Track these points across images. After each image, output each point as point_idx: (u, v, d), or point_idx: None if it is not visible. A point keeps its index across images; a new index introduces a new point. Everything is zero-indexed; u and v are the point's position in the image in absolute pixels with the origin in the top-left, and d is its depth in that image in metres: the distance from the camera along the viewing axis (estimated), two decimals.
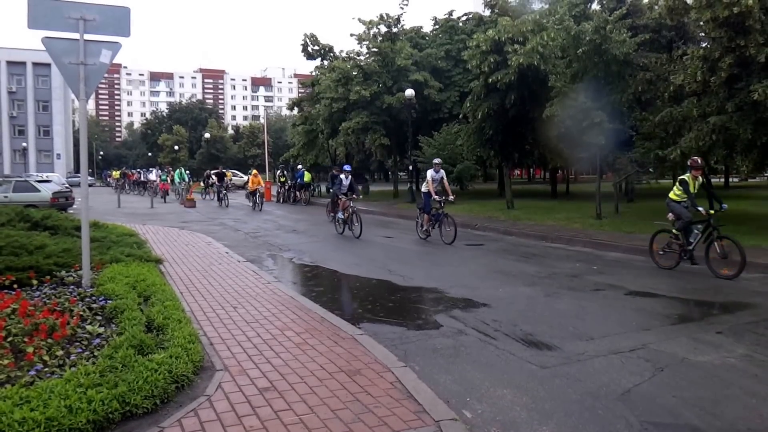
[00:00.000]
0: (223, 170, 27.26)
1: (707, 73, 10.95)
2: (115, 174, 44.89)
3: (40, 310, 4.57)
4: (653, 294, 6.63)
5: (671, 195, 8.24)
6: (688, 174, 7.98)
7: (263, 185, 21.86)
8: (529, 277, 7.75)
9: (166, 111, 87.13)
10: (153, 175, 32.29)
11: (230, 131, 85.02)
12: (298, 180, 25.24)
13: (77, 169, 55.84)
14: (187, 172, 31.46)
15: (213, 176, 27.66)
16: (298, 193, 25.19)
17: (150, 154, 79.79)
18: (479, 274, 8.03)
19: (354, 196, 12.69)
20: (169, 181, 29.31)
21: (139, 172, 41.37)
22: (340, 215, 12.83)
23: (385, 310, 6.09)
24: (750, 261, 8.13)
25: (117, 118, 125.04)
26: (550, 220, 14.20)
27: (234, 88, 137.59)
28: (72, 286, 5.92)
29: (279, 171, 28.48)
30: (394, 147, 28.04)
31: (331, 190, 16.11)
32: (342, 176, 12.93)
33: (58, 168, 58.15)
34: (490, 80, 18.36)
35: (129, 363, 3.57)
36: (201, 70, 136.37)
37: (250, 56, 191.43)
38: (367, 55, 27.45)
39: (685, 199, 7.98)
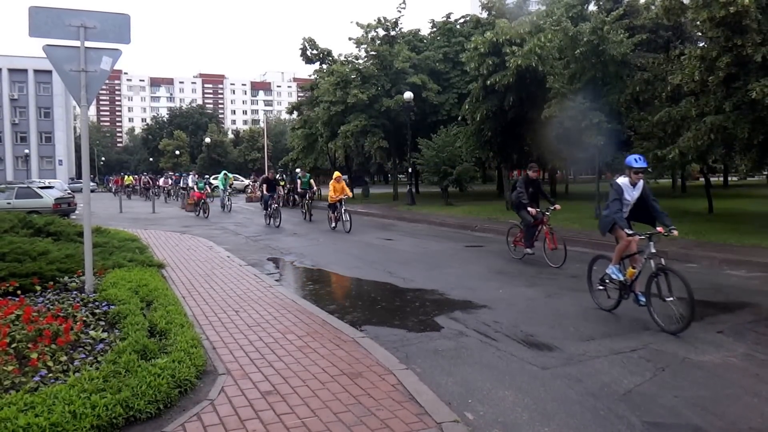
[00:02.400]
0: (276, 175, 19.42)
1: (705, 73, 10.97)
2: (128, 179, 41.78)
3: (44, 316, 4.60)
4: (653, 294, 6.62)
5: None
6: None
7: (350, 194, 14.91)
8: (529, 277, 7.77)
9: (167, 116, 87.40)
10: (191, 181, 27.57)
11: (230, 135, 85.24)
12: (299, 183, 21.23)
13: (79, 175, 55.99)
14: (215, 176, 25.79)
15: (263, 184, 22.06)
16: (296, 197, 23.42)
17: (151, 159, 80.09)
18: (479, 275, 8.05)
19: (660, 229, 5.44)
20: (208, 189, 22.83)
21: (177, 176, 35.79)
22: (614, 272, 5.79)
23: (386, 312, 6.11)
24: (750, 260, 8.18)
25: (118, 124, 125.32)
26: (549, 221, 14.18)
27: (234, 93, 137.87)
28: (75, 292, 5.95)
29: (278, 175, 28.53)
30: (393, 149, 28.08)
31: (522, 208, 9.22)
32: (623, 180, 5.76)
33: (60, 174, 58.34)
34: (489, 82, 18.38)
35: (132, 368, 3.59)
36: (201, 75, 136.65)
37: (250, 61, 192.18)
38: (366, 59, 27.54)
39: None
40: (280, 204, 16.84)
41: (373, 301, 6.73)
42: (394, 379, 3.85)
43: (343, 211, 14.29)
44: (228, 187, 24.14)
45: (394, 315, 5.98)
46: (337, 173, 15.42)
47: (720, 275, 7.72)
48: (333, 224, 14.78)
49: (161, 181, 35.64)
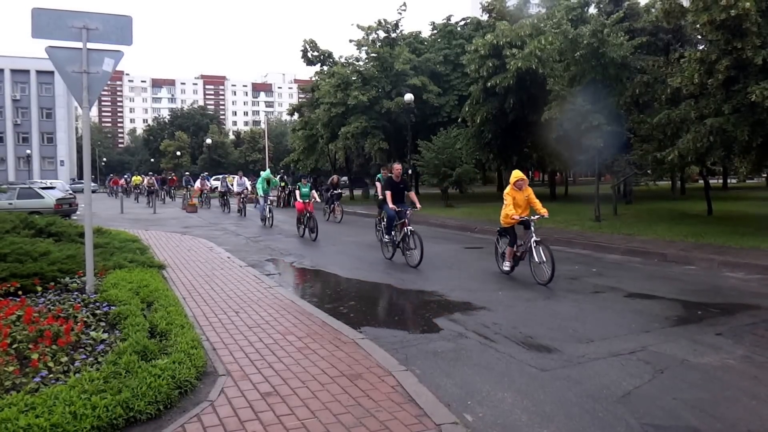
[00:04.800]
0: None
1: (704, 76, 11.00)
2: (136, 179, 39.17)
3: (45, 317, 4.61)
4: (652, 296, 6.65)
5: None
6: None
7: (544, 212, 7.78)
8: (528, 279, 7.77)
9: (168, 117, 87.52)
10: (236, 185, 23.44)
11: (231, 137, 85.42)
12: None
13: (81, 176, 56.08)
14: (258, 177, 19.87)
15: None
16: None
17: (153, 159, 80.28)
18: (479, 277, 8.05)
19: None
20: (315, 196, 14.73)
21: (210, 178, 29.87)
22: None
23: (385, 313, 6.12)
24: (749, 262, 8.19)
25: (119, 125, 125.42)
26: (548, 223, 14.18)
27: (235, 94, 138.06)
28: (76, 293, 5.96)
29: (279, 176, 28.58)
30: (393, 151, 28.14)
31: None
32: None
33: (61, 175, 58.45)
34: (489, 84, 18.44)
35: (133, 369, 3.61)
36: (202, 77, 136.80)
37: (251, 62, 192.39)
38: (366, 61, 27.62)
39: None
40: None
41: (373, 302, 6.75)
42: (393, 381, 3.86)
43: (533, 243, 7.47)
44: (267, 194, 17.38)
45: (394, 316, 6.00)
46: (517, 173, 8.06)
47: (719, 277, 7.73)
48: (507, 265, 8.01)
49: (197, 184, 28.76)
